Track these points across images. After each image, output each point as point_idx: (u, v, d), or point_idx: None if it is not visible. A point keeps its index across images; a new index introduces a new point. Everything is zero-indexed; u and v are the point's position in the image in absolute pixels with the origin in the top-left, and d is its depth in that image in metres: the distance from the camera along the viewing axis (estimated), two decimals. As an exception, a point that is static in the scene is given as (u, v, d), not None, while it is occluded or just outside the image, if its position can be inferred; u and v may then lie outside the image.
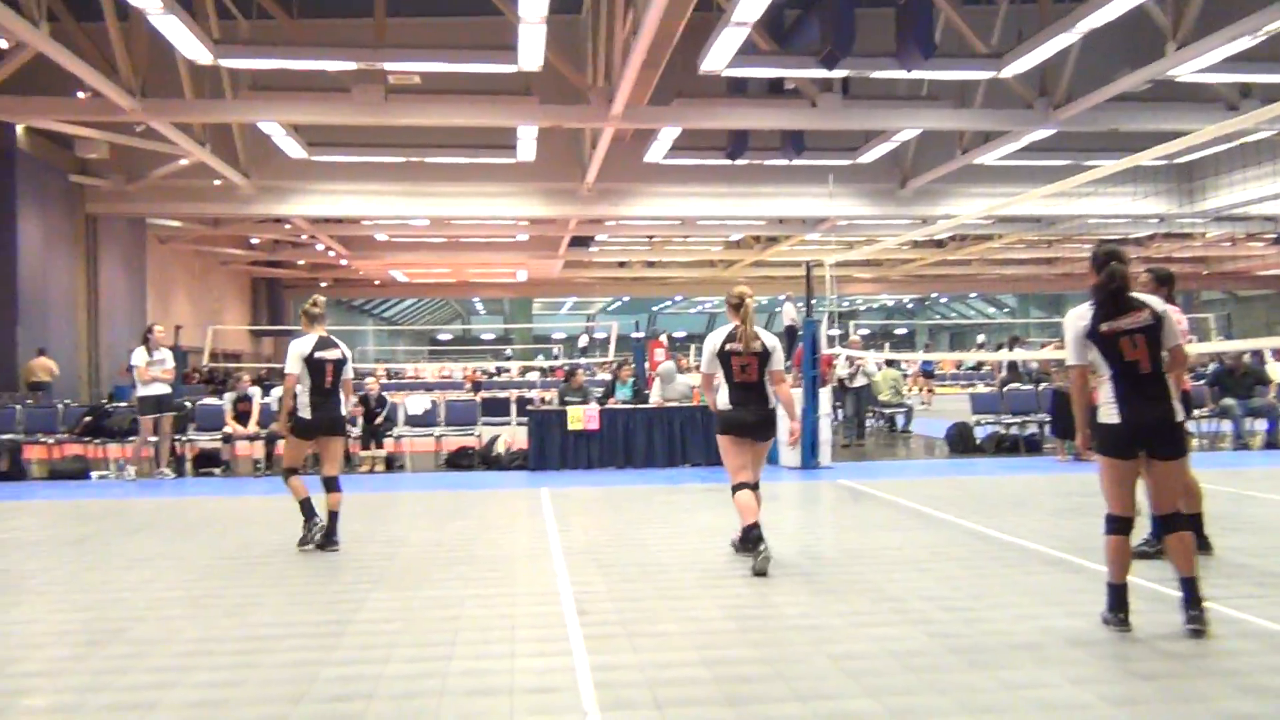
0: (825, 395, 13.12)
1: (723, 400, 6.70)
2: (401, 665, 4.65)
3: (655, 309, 67.36)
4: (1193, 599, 4.93)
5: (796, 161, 21.00)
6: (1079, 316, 5.09)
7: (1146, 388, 4.96)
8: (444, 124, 17.90)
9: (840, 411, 16.24)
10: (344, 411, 7.69)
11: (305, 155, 20.39)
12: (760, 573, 6.30)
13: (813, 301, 13.83)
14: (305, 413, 7.48)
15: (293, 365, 7.43)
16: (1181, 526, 5.00)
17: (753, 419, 6.65)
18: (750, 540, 6.47)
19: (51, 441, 13.35)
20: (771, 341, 6.73)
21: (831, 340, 15.41)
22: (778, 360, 6.71)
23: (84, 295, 22.75)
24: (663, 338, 23.76)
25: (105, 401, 15.89)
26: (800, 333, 13.55)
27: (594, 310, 76.68)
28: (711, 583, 6.22)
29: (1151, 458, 4.97)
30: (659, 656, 4.73)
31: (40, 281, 20.58)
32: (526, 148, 19.46)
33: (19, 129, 19.39)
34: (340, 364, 7.55)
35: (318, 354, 7.46)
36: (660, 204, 23.96)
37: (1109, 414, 5.00)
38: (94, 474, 12.58)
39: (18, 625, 5.51)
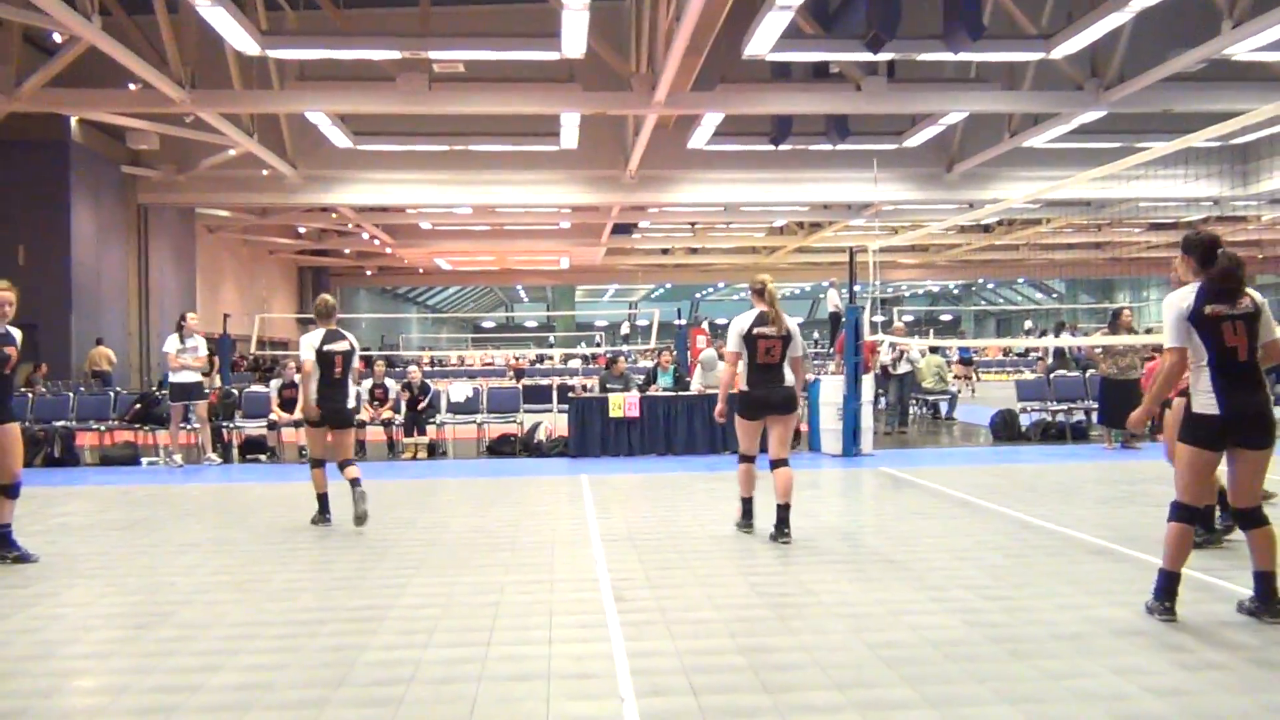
0: (868, 382, 13.02)
1: (743, 381, 7.12)
2: (441, 650, 4.69)
3: (697, 296, 67.21)
4: (1267, 591, 4.87)
5: (841, 146, 20.80)
6: (1181, 299, 4.97)
7: (1244, 377, 4.88)
8: (488, 112, 17.96)
9: (883, 398, 16.11)
10: (351, 402, 8.08)
11: (351, 144, 20.56)
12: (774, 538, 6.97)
13: (856, 287, 13.73)
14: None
15: (307, 354, 7.85)
16: (1264, 520, 4.94)
17: (777, 398, 7.05)
18: (749, 515, 7.34)
19: (103, 428, 13.61)
20: (793, 326, 7.15)
21: (875, 326, 15.30)
22: (798, 345, 7.17)
23: (135, 284, 23.15)
24: (705, 325, 23.68)
25: (155, 389, 16.15)
26: (843, 319, 13.46)
27: (636, 297, 76.68)
28: (749, 569, 6.22)
29: (1242, 448, 4.90)
30: (696, 643, 4.74)
31: (93, 271, 20.97)
32: (569, 135, 19.46)
33: (73, 121, 19.75)
34: (349, 355, 8.00)
35: (326, 347, 7.89)
36: (703, 190, 23.88)
37: (1207, 404, 4.90)
38: (144, 460, 12.81)
39: (69, 608, 5.64)
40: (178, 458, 12.59)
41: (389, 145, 21.54)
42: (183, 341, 12.41)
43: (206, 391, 13.14)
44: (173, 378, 12.45)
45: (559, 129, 19.20)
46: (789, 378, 7.09)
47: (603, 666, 4.43)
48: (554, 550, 6.95)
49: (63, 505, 9.42)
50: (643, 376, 14.98)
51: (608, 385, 13.61)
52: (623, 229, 32.51)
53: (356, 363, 8.11)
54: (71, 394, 14.74)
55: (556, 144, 20.21)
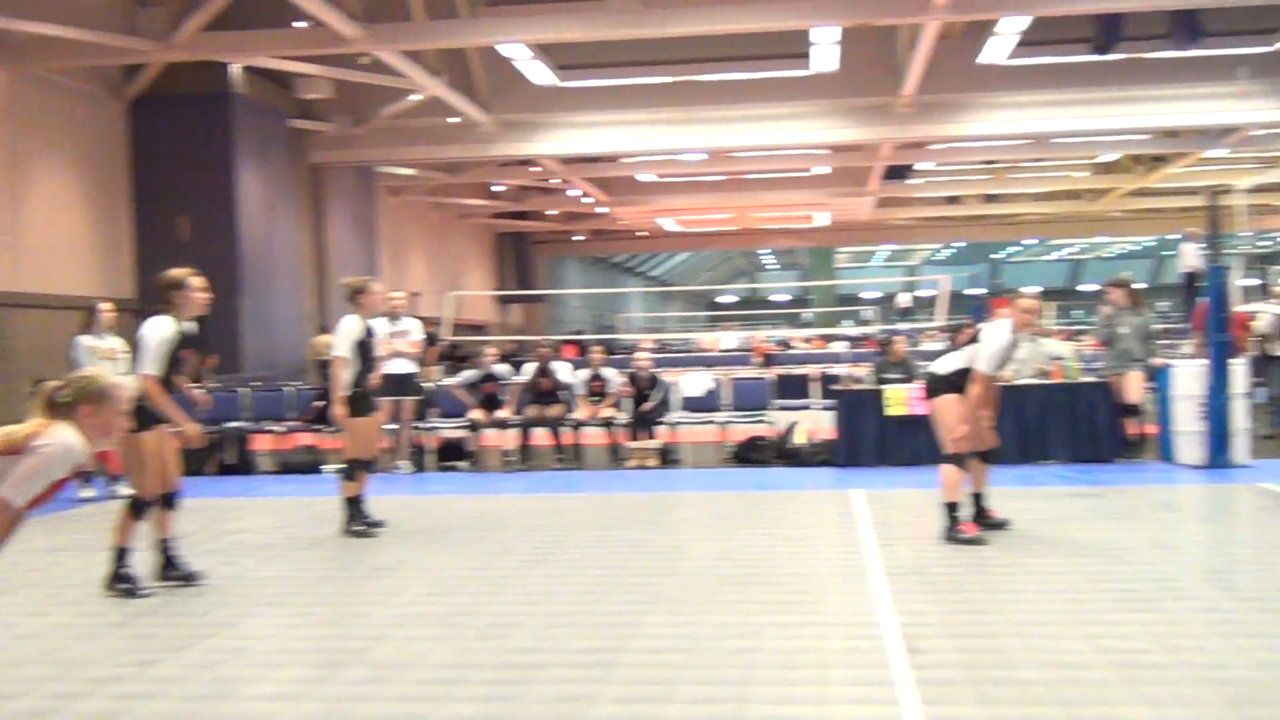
0: (1239, 368, 12.25)
1: None
2: (685, 706, 4.76)
3: (997, 256, 65.27)
4: None
5: (1192, 52, 19.67)
6: None
7: None
8: (720, 31, 17.98)
9: (1262, 390, 15.13)
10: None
11: (555, 81, 21.08)
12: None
13: (1219, 241, 12.94)
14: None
15: (344, 348, 8.30)
16: None
17: None
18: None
19: (281, 430, 14.51)
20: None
21: (1247, 293, 14.39)
22: None
23: (310, 258, 24.61)
24: (1010, 294, 22.97)
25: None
26: (1202, 283, 12.72)
27: (916, 261, 75.28)
28: (1084, 616, 5.99)
29: None
30: (1015, 712, 4.61)
31: (262, 244, 22.40)
32: (825, 55, 19.26)
33: (234, 69, 21.18)
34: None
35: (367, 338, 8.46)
36: (1002, 119, 23.11)
37: None
38: (325, 468, 13.62)
39: (252, 640, 6.07)
40: (403, 464, 13.27)
41: (600, 80, 21.93)
42: (392, 323, 12.96)
43: (422, 386, 13.69)
44: (382, 367, 12.95)
45: (810, 48, 19.04)
46: None
47: (893, 735, 4.37)
48: (821, 585, 6.92)
49: (239, 520, 10.17)
50: (929, 361, 14.66)
51: (883, 374, 13.40)
52: (896, 173, 32.05)
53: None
54: (239, 390, 15.73)
55: (809, 68, 20.05)
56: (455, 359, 24.43)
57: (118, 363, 11.15)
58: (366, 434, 9.23)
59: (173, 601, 6.87)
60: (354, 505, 9.07)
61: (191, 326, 7.24)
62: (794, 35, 18.88)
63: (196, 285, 7.22)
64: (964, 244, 60.16)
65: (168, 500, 7.22)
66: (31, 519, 4.19)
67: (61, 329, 13.02)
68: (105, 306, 11.72)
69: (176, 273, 7.24)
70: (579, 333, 40.42)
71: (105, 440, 4.39)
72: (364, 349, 9.21)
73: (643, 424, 13.75)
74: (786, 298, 79.59)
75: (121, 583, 6.95)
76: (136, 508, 6.97)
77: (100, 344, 11.38)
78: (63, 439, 4.11)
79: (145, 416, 6.96)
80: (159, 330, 7.02)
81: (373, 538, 8.92)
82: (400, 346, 12.79)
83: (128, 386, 4.36)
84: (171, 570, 7.25)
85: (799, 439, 13.63)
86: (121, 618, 6.58)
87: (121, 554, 6.98)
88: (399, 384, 12.75)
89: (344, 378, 9.02)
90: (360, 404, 9.12)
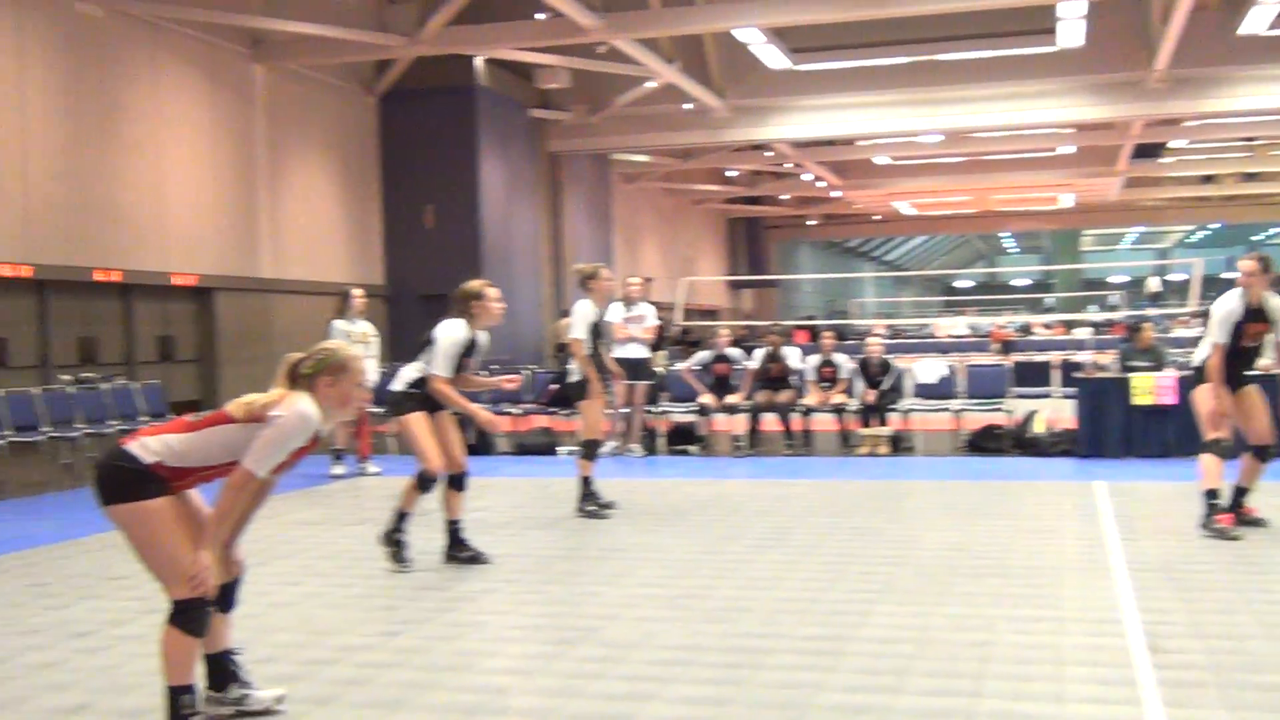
0: None
1: None
2: (915, 698, 4.70)
3: (1257, 239, 61.85)
4: None
5: None
6: None
7: None
8: (960, 9, 17.65)
9: None
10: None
11: (789, 65, 21.03)
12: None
13: None
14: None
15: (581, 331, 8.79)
16: None
17: None
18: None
19: (518, 412, 14.96)
20: None
21: None
22: None
23: (547, 245, 25.28)
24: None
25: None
26: None
27: (1168, 244, 72.13)
28: (1349, 621, 5.64)
29: None
30: (1264, 719, 4.40)
31: (503, 231, 23.13)
32: (1071, 30, 18.64)
33: (478, 62, 21.88)
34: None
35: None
36: (1265, 93, 21.89)
37: None
38: (560, 449, 13.96)
39: (489, 615, 6.29)
40: (634, 447, 13.55)
41: (835, 63, 21.79)
42: (627, 308, 13.22)
43: (654, 370, 13.91)
44: (616, 352, 13.23)
45: (1055, 23, 18.43)
46: None
47: (1134, 737, 4.22)
48: (1060, 579, 6.74)
49: (478, 499, 10.50)
50: (1180, 350, 14.06)
51: (1130, 362, 12.94)
52: (1146, 151, 30.86)
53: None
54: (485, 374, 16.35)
55: (1054, 44, 19.44)
56: (686, 344, 24.66)
57: (369, 346, 11.74)
58: (598, 415, 9.42)
59: (416, 576, 7.17)
60: (587, 485, 9.28)
61: (483, 336, 7.60)
62: (1038, 10, 18.34)
63: (492, 296, 7.57)
64: (1220, 225, 57.24)
65: (456, 481, 7.53)
66: (282, 492, 4.41)
67: (318, 314, 13.73)
68: (357, 293, 12.34)
69: (475, 284, 7.62)
70: (811, 318, 40.19)
71: (343, 412, 4.52)
72: (596, 333, 9.43)
73: (874, 411, 13.60)
74: (1027, 282, 77.42)
75: (392, 544, 7.32)
76: (422, 480, 7.30)
77: (353, 328, 11.99)
78: (299, 408, 4.24)
79: (418, 402, 7.34)
80: (452, 334, 7.39)
81: (604, 519, 9.11)
82: (634, 331, 12.97)
83: (371, 365, 4.50)
84: (459, 550, 7.55)
85: (1038, 428, 13.28)
86: (368, 590, 6.92)
87: (400, 517, 7.35)
88: (632, 368, 12.90)
89: (583, 358, 9.23)
90: (593, 388, 9.30)
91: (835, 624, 5.84)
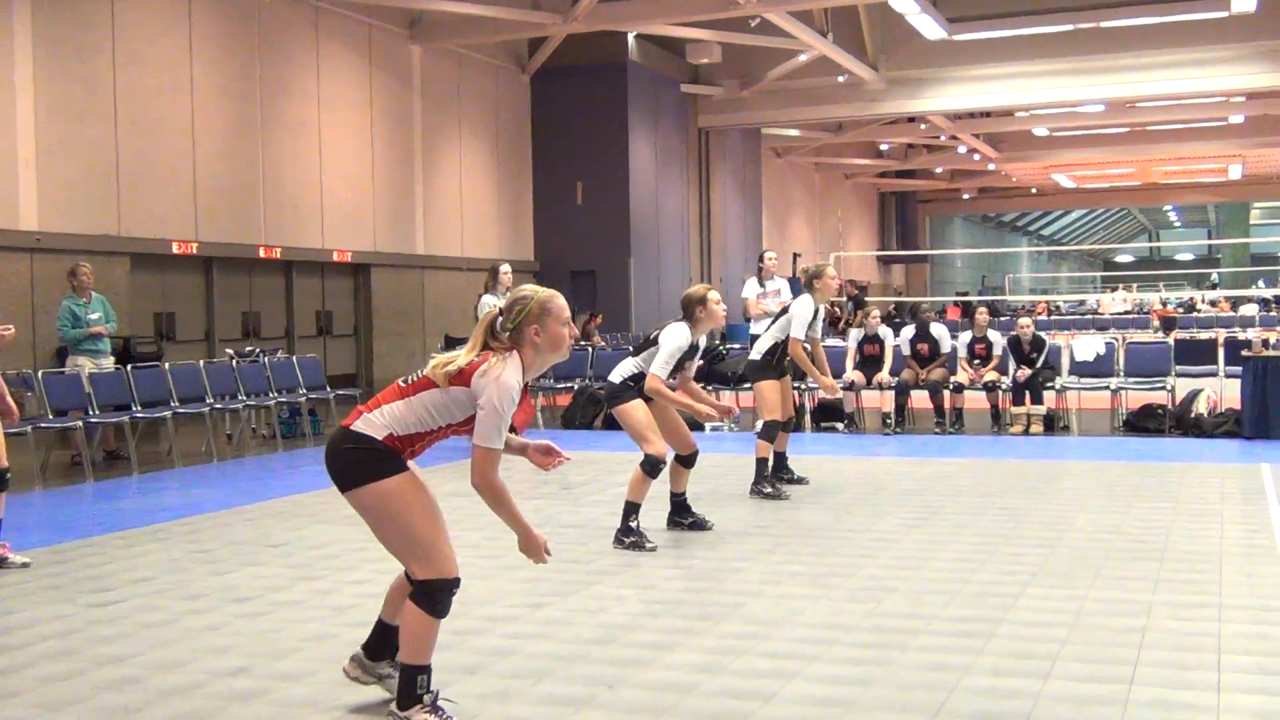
0: None
1: None
2: (1066, 684, 4.58)
3: None
4: None
5: None
6: None
7: None
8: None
9: None
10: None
11: (945, 35, 20.64)
12: None
13: None
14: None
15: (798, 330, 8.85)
16: None
17: None
18: None
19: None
20: None
21: None
22: None
23: (696, 221, 25.30)
24: None
25: (718, 343, 17.47)
26: None
27: (1345, 217, 69.06)
28: None
29: None
30: None
31: (651, 207, 23.24)
32: (1243, -6, 17.92)
33: (630, 39, 21.96)
34: None
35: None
36: None
37: None
38: (708, 426, 13.93)
39: (631, 590, 6.32)
40: (726, 424, 13.48)
41: (994, 32, 21.34)
42: (762, 285, 13.15)
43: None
44: (754, 328, 13.22)
45: (1228, -13, 17.75)
46: None
47: (1299, 732, 4.05)
48: (1221, 564, 6.51)
49: (625, 473, 10.57)
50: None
51: (1301, 340, 12.43)
52: (1322, 120, 29.50)
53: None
54: (632, 348, 16.44)
55: (1225, 9, 18.71)
56: (835, 321, 24.43)
57: None
58: (777, 397, 9.33)
59: (561, 548, 7.22)
60: (762, 467, 9.25)
61: (708, 342, 7.71)
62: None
63: (714, 300, 7.75)
64: (1405, 197, 54.50)
65: (686, 460, 7.80)
66: (433, 464, 4.45)
67: (469, 289, 13.98)
68: (505, 269, 12.48)
69: (699, 289, 7.83)
70: (964, 294, 39.46)
71: (560, 353, 4.51)
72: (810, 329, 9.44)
73: (1028, 388, 13.29)
74: (1191, 257, 74.78)
75: (627, 536, 7.40)
76: (648, 465, 7.42)
77: (501, 303, 12.11)
78: (500, 380, 4.18)
79: (636, 392, 7.57)
80: (676, 339, 7.63)
81: (783, 498, 9.06)
82: (769, 306, 12.90)
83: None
84: (683, 516, 7.88)
85: (1200, 408, 12.87)
86: (514, 560, 6.94)
87: (630, 510, 7.46)
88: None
89: (799, 352, 9.22)
90: (772, 370, 9.31)
91: (984, 606, 5.72)
